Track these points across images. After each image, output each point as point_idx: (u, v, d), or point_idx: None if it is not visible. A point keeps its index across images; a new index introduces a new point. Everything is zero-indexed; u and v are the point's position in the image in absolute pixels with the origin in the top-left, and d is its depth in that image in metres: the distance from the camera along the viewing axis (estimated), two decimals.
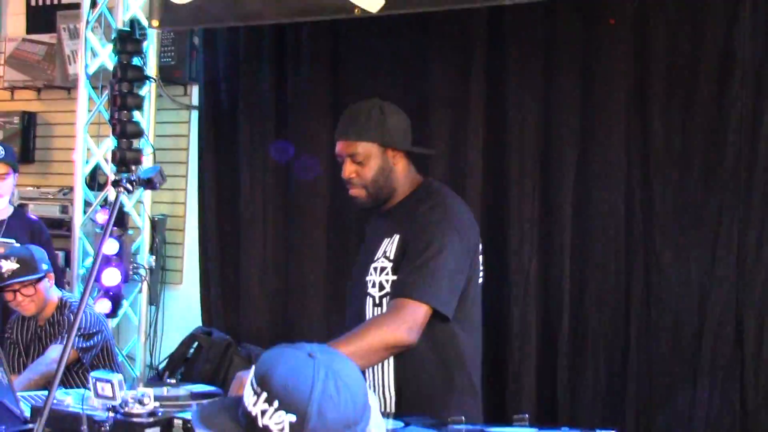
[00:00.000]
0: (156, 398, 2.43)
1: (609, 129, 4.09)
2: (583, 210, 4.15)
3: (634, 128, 4.04)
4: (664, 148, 3.97)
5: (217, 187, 5.21)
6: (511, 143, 4.28)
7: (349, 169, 2.81)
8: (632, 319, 4.02)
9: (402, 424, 2.46)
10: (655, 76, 3.99)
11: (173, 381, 2.76)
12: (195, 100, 5.44)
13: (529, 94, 4.25)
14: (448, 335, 2.75)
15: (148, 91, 5.19)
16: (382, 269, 2.76)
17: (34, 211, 5.52)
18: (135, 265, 5.24)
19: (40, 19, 6.07)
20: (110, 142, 5.14)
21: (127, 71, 5.01)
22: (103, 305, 4.98)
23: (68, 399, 2.57)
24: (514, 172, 4.27)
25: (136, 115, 5.10)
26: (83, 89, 5.22)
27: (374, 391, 2.76)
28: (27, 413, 2.59)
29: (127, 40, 5.02)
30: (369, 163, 2.78)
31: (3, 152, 4.66)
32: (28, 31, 6.14)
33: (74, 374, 4.01)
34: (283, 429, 1.56)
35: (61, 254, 5.31)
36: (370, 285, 2.77)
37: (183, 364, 4.87)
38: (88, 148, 5.25)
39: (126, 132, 5.02)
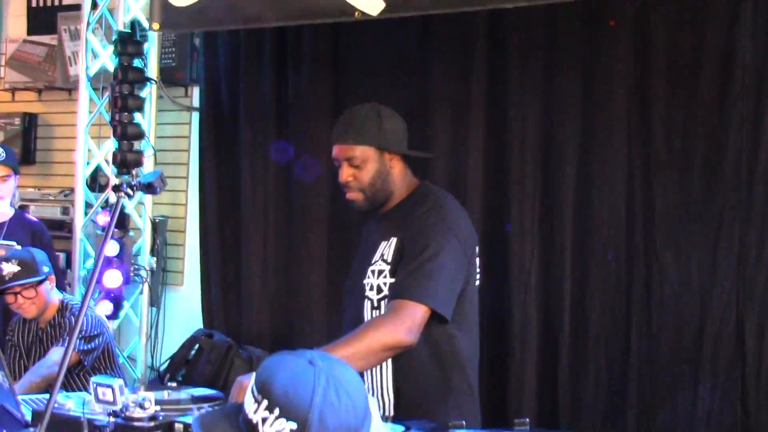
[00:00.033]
0: (157, 402, 2.43)
1: (609, 129, 4.08)
2: (583, 210, 4.14)
3: (634, 128, 4.04)
4: (664, 148, 3.96)
5: (217, 189, 5.20)
6: (512, 143, 4.28)
7: (346, 173, 2.81)
8: (633, 319, 4.02)
9: (402, 428, 2.46)
10: (656, 77, 3.98)
11: (174, 384, 2.75)
12: (196, 102, 5.44)
13: (530, 94, 4.24)
14: (446, 336, 2.76)
15: (149, 92, 5.18)
16: (380, 272, 2.76)
17: (34, 212, 5.52)
18: (136, 266, 5.24)
19: (41, 21, 6.07)
20: (111, 144, 5.14)
21: (128, 73, 5.01)
22: (104, 307, 4.99)
23: (69, 403, 2.56)
24: (514, 172, 4.26)
25: (137, 116, 5.10)
26: (84, 91, 5.24)
27: (373, 392, 2.76)
28: (28, 417, 2.58)
29: (128, 42, 5.03)
30: (366, 167, 2.78)
31: (4, 154, 4.65)
32: (29, 32, 6.14)
33: (75, 376, 4.00)
34: None
35: (62, 256, 5.31)
36: (367, 288, 2.78)
37: (184, 366, 4.87)
38: (89, 149, 5.26)
39: (127, 133, 5.03)
